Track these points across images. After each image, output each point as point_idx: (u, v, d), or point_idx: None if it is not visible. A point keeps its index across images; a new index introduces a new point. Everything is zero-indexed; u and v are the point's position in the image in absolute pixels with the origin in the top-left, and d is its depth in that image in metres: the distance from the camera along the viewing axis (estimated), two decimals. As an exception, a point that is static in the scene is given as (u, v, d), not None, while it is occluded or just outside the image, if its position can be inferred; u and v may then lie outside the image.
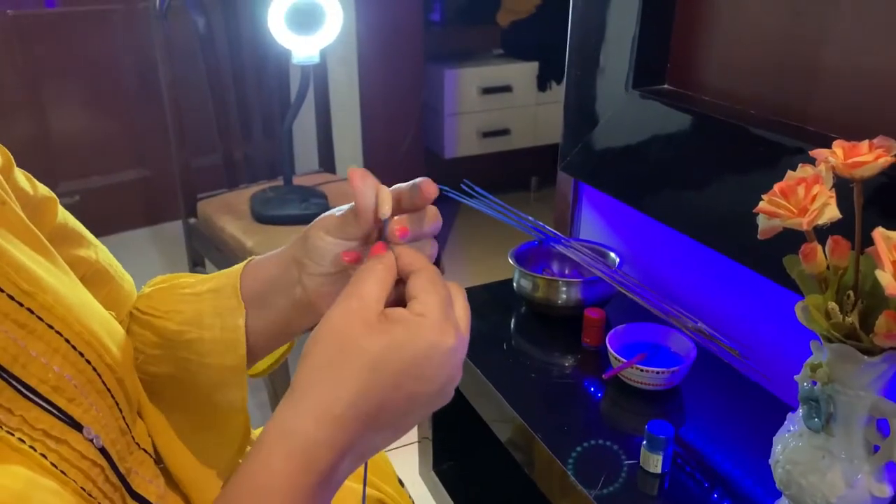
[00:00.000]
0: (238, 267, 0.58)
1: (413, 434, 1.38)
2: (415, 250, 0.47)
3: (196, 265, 1.84)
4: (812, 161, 0.63)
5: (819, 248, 0.61)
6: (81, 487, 0.43)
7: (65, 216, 0.57)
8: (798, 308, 0.64)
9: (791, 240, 0.63)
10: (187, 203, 1.75)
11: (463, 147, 2.69)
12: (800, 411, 0.71)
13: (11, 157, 0.53)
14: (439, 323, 0.43)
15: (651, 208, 0.98)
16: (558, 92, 2.73)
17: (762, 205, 0.62)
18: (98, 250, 0.60)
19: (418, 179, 0.49)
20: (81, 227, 0.60)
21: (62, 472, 0.42)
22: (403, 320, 0.42)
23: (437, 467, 1.31)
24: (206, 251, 1.75)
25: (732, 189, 0.89)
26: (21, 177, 0.53)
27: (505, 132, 2.74)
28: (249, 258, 0.59)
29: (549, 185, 3.02)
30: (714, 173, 0.91)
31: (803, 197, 0.59)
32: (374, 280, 0.44)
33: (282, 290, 0.55)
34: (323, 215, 0.52)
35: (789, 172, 0.62)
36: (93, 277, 0.58)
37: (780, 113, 0.89)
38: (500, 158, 2.79)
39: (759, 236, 0.63)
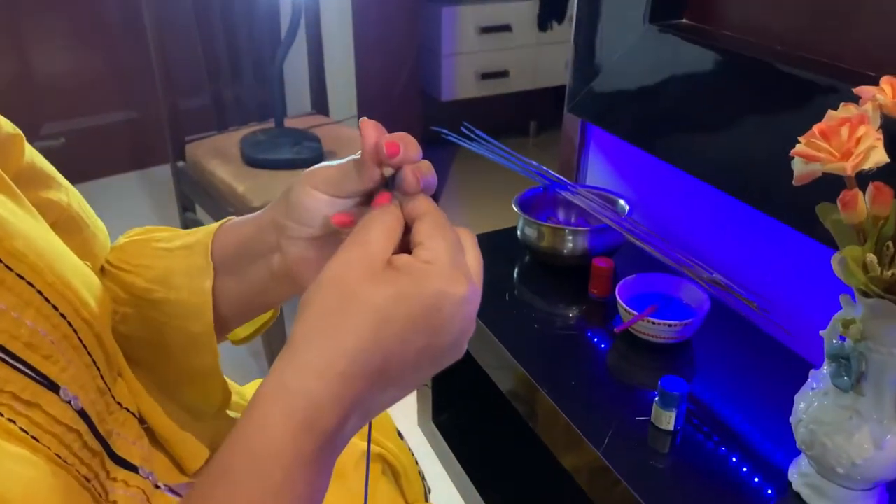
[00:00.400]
0: (213, 226, 0.53)
1: (412, 385, 1.35)
2: (421, 195, 0.42)
3: (186, 210, 1.78)
4: (853, 99, 0.58)
5: (861, 195, 0.56)
6: (56, 454, 0.39)
7: (32, 155, 0.52)
8: (834, 260, 0.59)
9: (819, 187, 0.58)
10: (175, 146, 1.69)
11: (460, 89, 2.60)
12: (824, 368, 0.67)
13: None
14: (448, 271, 0.38)
15: (667, 152, 0.92)
16: (559, 32, 2.64)
17: (800, 147, 0.57)
18: (70, 194, 0.55)
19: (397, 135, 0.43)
20: (51, 168, 0.54)
21: (34, 437, 0.38)
22: (409, 268, 0.38)
23: (437, 418, 1.28)
24: (197, 196, 1.69)
25: (756, 131, 0.83)
26: None
27: (504, 74, 2.65)
28: (227, 218, 0.54)
29: (547, 129, 2.95)
30: (736, 115, 0.86)
31: (847, 139, 0.54)
32: (380, 228, 0.39)
33: (257, 256, 0.50)
34: (308, 171, 0.46)
35: (830, 112, 0.57)
36: (65, 224, 0.53)
37: (809, 49, 0.83)
38: (499, 101, 2.71)
39: (794, 182, 0.58)
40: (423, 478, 0.84)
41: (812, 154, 0.56)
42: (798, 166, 0.58)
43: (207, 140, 1.70)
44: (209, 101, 1.72)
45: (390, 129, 0.44)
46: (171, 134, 1.67)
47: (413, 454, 0.84)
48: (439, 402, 1.27)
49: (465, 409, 1.30)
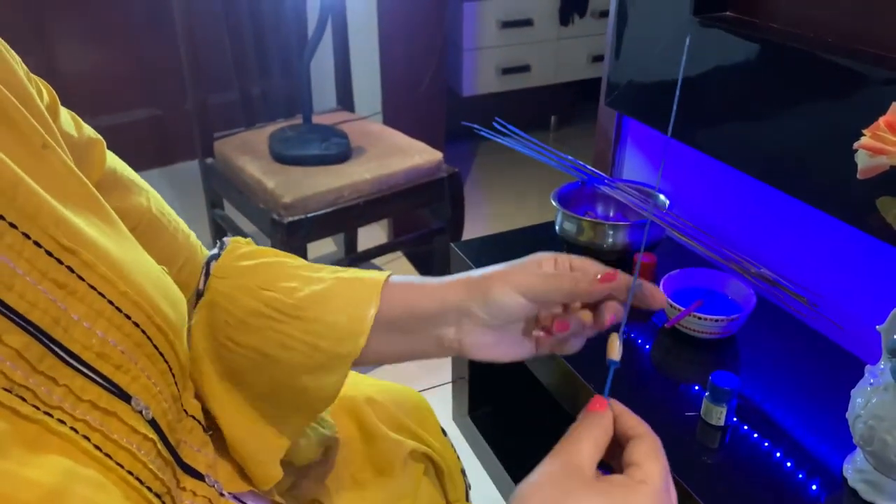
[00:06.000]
0: (379, 275, 0.55)
1: (447, 373, 1.34)
2: (636, 416, 0.45)
3: (214, 206, 1.79)
4: (917, 92, 0.57)
5: (929, 188, 0.56)
6: (129, 471, 0.39)
7: (113, 161, 0.52)
8: (900, 254, 0.59)
9: (870, 180, 0.57)
10: (204, 142, 1.69)
11: (482, 84, 2.59)
12: (882, 364, 0.66)
13: (56, 95, 0.47)
14: (660, 493, 0.41)
15: (710, 147, 0.91)
16: (581, 26, 2.63)
17: (865, 140, 0.56)
18: (150, 197, 0.55)
19: (648, 288, 0.51)
20: (131, 171, 0.55)
21: (107, 454, 0.38)
22: (624, 485, 0.41)
23: (473, 412, 1.28)
24: (225, 192, 1.70)
25: (804, 125, 0.83)
26: (66, 116, 0.48)
27: (525, 69, 2.64)
28: (388, 272, 0.55)
29: (567, 124, 2.94)
30: (783, 108, 0.85)
31: (917, 132, 0.54)
32: (591, 441, 0.43)
33: (431, 327, 0.53)
34: (509, 273, 0.51)
35: (895, 104, 0.56)
36: (146, 227, 0.53)
37: (860, 41, 0.82)
38: (519, 96, 2.70)
39: (859, 176, 0.58)
40: (464, 475, 0.84)
41: (879, 147, 0.55)
42: (863, 160, 0.57)
43: (235, 136, 1.70)
44: (237, 97, 1.72)
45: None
46: (199, 130, 1.68)
47: (456, 452, 0.84)
48: (476, 397, 1.27)
49: (502, 404, 1.29)
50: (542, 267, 0.52)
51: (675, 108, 0.48)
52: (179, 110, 2.29)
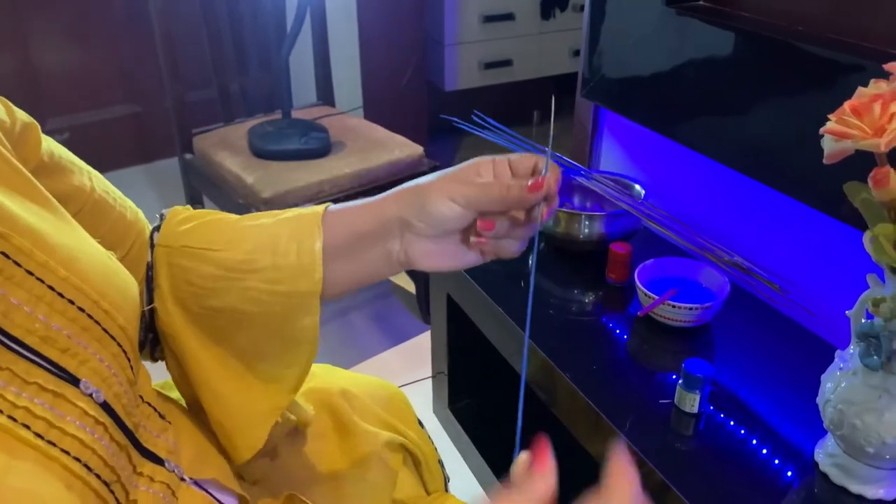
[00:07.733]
0: (318, 208, 0.56)
1: (427, 369, 1.35)
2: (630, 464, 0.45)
3: (194, 202, 1.78)
4: (879, 77, 0.57)
5: (893, 172, 0.56)
6: (76, 458, 0.38)
7: (49, 144, 0.51)
8: (865, 239, 0.59)
9: (841, 166, 0.58)
10: (183, 138, 1.68)
11: (464, 79, 2.59)
12: (851, 349, 0.67)
13: None
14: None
15: (685, 137, 0.92)
16: (562, 20, 2.63)
17: (830, 125, 0.57)
18: (93, 177, 0.55)
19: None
20: (69, 154, 0.54)
21: (51, 442, 0.37)
22: None
23: (453, 405, 1.28)
24: (205, 188, 1.69)
25: (776, 113, 0.83)
26: None
27: (507, 63, 2.65)
28: (326, 204, 0.56)
29: (550, 118, 2.95)
30: (756, 97, 0.85)
31: (879, 115, 0.54)
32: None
33: (375, 246, 0.54)
34: (443, 181, 0.52)
35: (860, 89, 0.56)
36: (92, 210, 0.53)
37: (832, 29, 0.82)
38: (501, 91, 2.71)
39: (825, 160, 0.58)
40: (442, 466, 0.84)
41: (844, 131, 0.55)
42: (828, 144, 0.57)
43: (214, 132, 1.70)
44: (215, 93, 1.71)
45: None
46: (178, 126, 1.67)
47: (433, 443, 0.84)
48: (456, 389, 1.27)
49: (482, 396, 1.30)
50: (480, 172, 0.53)
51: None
52: (158, 107, 2.28)
